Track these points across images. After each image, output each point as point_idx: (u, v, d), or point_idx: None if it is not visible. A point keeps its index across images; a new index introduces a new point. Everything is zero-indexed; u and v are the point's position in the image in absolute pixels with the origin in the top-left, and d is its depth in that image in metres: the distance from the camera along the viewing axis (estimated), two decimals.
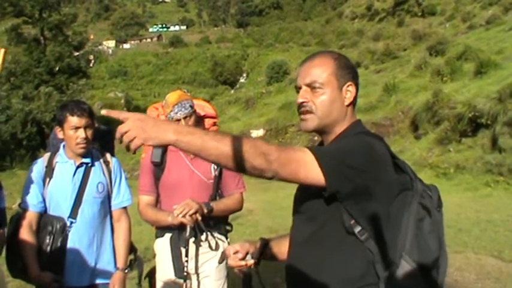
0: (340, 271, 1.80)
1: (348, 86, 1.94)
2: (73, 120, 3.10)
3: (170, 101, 3.19)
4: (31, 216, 3.14)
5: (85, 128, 3.13)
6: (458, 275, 5.87)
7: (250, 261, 2.09)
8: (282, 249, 2.13)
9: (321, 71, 1.91)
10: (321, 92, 1.90)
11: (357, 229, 1.77)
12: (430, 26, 47.77)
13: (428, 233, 1.78)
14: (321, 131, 1.95)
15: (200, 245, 3.21)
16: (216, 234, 3.28)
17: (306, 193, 1.90)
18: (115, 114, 1.62)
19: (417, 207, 1.79)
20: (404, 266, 1.73)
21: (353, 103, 1.97)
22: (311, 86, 1.91)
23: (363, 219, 1.76)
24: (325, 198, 1.76)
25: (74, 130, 3.11)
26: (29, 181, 3.19)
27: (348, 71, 1.96)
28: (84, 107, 3.16)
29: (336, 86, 1.92)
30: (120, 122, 1.59)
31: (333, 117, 1.92)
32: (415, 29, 43.37)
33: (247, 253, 2.10)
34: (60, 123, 3.16)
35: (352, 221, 1.77)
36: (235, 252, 2.10)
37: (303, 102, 1.91)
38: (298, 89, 1.96)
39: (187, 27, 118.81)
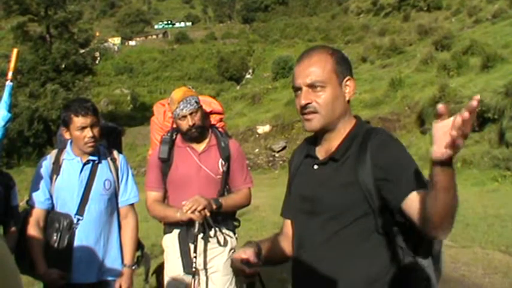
0: (365, 268, 1.79)
1: (347, 80, 1.92)
2: (78, 120, 3.08)
3: (175, 98, 3.18)
4: (38, 213, 3.14)
5: (91, 126, 3.11)
6: (465, 269, 5.85)
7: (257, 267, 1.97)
8: (268, 252, 2.06)
9: (320, 69, 1.87)
10: (323, 91, 1.87)
11: (391, 225, 1.78)
12: (436, 21, 47.72)
13: None
14: (325, 129, 1.91)
15: (208, 241, 3.21)
16: (224, 230, 3.28)
17: (325, 192, 1.87)
18: None
19: None
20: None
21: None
22: (312, 86, 1.87)
23: (396, 215, 1.76)
24: (357, 197, 1.78)
25: (80, 130, 3.10)
26: (37, 178, 3.19)
27: (346, 66, 1.93)
28: (88, 106, 3.13)
29: (336, 83, 1.89)
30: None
31: (337, 114, 1.89)
32: (420, 23, 43.32)
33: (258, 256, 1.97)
34: (66, 124, 3.14)
35: (388, 218, 1.78)
36: (246, 261, 1.93)
37: (308, 103, 1.87)
38: (297, 88, 1.91)
39: (192, 24, 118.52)
